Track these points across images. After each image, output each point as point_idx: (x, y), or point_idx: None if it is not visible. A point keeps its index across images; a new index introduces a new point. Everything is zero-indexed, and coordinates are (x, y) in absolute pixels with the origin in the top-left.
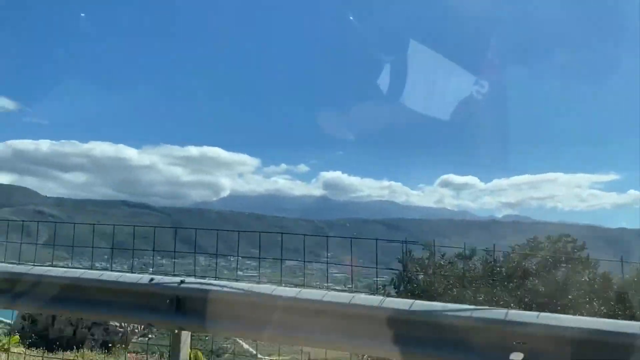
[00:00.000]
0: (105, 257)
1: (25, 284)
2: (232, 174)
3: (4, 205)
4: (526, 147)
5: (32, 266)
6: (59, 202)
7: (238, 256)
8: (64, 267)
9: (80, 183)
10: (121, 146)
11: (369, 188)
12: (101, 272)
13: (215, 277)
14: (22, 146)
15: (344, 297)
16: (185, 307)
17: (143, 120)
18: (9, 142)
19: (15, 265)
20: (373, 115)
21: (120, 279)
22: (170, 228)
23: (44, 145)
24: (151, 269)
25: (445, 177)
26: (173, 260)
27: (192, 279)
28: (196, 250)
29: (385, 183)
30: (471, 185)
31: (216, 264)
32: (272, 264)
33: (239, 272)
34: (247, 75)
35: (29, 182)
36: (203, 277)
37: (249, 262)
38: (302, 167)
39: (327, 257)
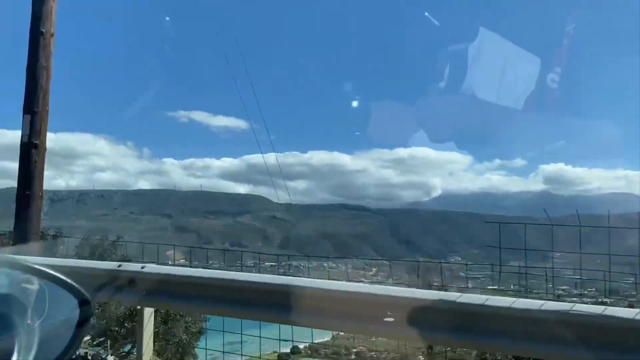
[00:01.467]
0: (332, 256)
1: None
2: (442, 173)
3: (245, 212)
4: None
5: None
6: (288, 207)
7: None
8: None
9: (303, 189)
10: (336, 153)
11: (599, 179)
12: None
13: None
14: (254, 160)
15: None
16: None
17: (352, 128)
18: (244, 157)
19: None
20: None
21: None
22: (383, 229)
23: (271, 157)
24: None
25: None
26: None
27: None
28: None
29: (620, 172)
30: None
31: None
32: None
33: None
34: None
35: (262, 191)
36: None
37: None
38: (519, 162)
39: (552, 256)
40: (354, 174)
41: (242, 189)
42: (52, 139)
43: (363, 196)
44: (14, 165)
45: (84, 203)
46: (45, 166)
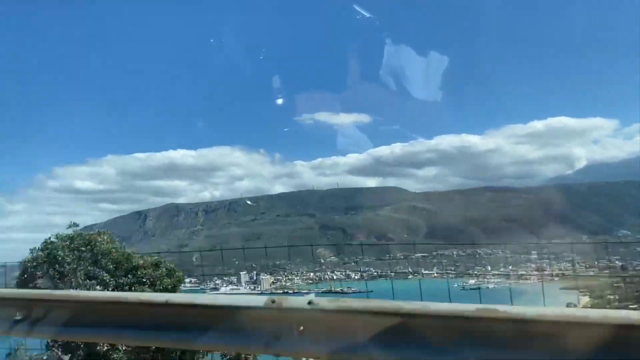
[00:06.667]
0: (484, 242)
1: None
2: (585, 142)
3: (384, 205)
4: None
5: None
6: (427, 196)
7: None
8: None
9: (433, 176)
10: (464, 135)
11: None
12: None
13: None
14: (380, 152)
15: None
16: None
17: (481, 105)
18: (370, 150)
19: None
20: None
21: None
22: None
23: (397, 148)
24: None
25: None
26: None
27: None
28: None
29: None
30: None
31: None
32: None
33: None
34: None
35: (391, 182)
36: None
37: None
38: None
39: None
40: (486, 154)
41: (372, 182)
42: (195, 156)
43: (499, 176)
44: (168, 184)
45: (234, 210)
46: (191, 180)
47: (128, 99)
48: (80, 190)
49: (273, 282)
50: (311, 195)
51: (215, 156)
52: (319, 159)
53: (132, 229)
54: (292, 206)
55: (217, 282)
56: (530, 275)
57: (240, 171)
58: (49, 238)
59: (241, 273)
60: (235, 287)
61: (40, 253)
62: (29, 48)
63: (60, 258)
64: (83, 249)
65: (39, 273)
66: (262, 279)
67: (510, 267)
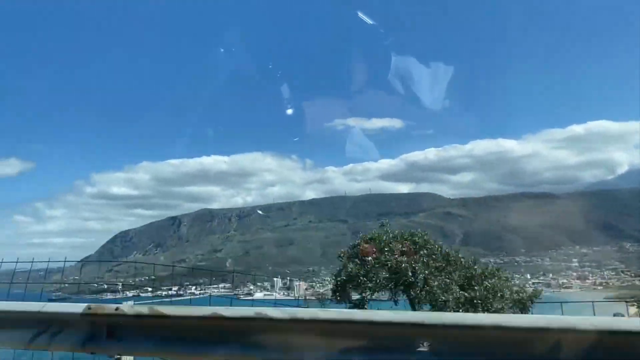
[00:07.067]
0: (523, 250)
1: None
2: (626, 146)
3: (417, 211)
4: None
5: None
6: (463, 202)
7: None
8: None
9: (468, 182)
10: (499, 140)
11: None
12: None
13: None
14: (413, 158)
15: None
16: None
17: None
18: (402, 156)
19: None
20: None
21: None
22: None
23: (431, 153)
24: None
25: None
26: None
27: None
28: None
29: None
30: None
31: None
32: None
33: None
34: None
35: (425, 188)
36: None
37: None
38: None
39: None
40: (523, 160)
41: (404, 188)
42: (228, 162)
43: (537, 182)
44: (203, 189)
45: (267, 216)
46: (224, 186)
47: (162, 108)
48: (116, 196)
49: (307, 289)
50: (343, 201)
51: (248, 162)
52: (350, 165)
53: (167, 235)
54: (324, 212)
55: (250, 287)
56: (572, 283)
57: (272, 177)
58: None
59: (275, 279)
60: (268, 292)
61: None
62: (72, 59)
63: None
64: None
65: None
66: (296, 284)
67: (550, 276)
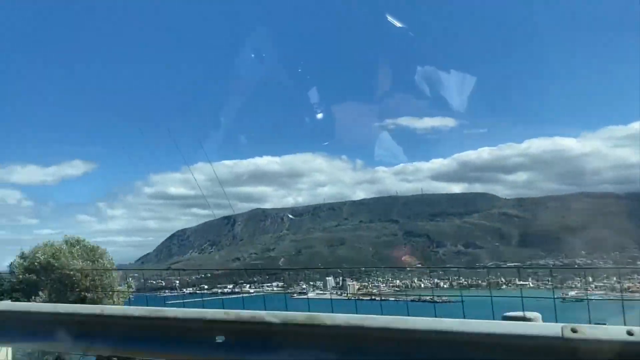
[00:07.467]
0: (583, 252)
1: None
2: None
3: (472, 211)
4: None
5: None
6: (519, 202)
7: None
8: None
9: (524, 181)
10: (557, 138)
11: None
12: None
13: None
14: (465, 157)
15: None
16: None
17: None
18: (455, 155)
19: None
20: None
21: None
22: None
23: (484, 152)
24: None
25: None
26: None
27: None
28: None
29: None
30: None
31: None
32: None
33: None
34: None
35: (478, 188)
36: None
37: None
38: None
39: None
40: (582, 158)
41: (457, 188)
42: (279, 162)
43: (597, 181)
44: (257, 190)
45: (318, 216)
46: (276, 186)
47: (213, 112)
48: (174, 196)
49: (359, 289)
50: (394, 201)
51: (299, 162)
52: (401, 165)
53: (222, 234)
54: (375, 212)
55: (303, 286)
56: (637, 287)
57: (322, 177)
58: None
59: (327, 278)
60: (321, 292)
61: None
62: (130, 66)
63: None
64: None
65: None
66: (349, 284)
67: (614, 279)
